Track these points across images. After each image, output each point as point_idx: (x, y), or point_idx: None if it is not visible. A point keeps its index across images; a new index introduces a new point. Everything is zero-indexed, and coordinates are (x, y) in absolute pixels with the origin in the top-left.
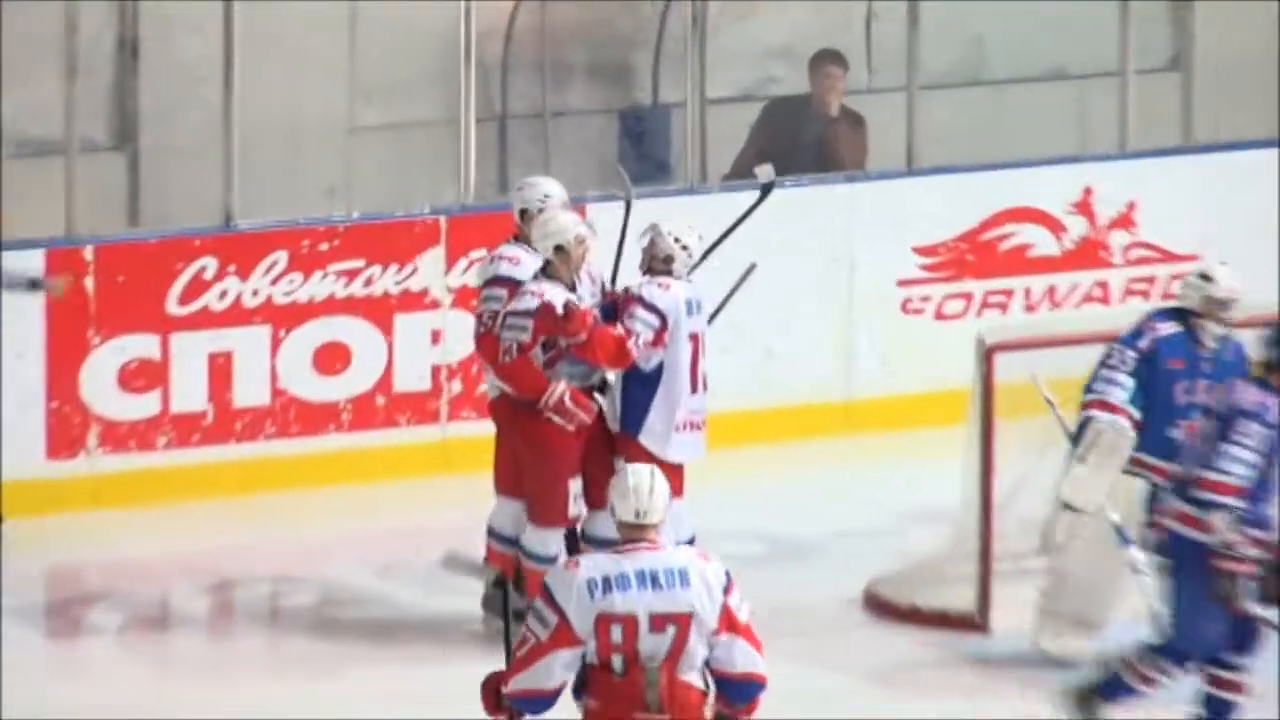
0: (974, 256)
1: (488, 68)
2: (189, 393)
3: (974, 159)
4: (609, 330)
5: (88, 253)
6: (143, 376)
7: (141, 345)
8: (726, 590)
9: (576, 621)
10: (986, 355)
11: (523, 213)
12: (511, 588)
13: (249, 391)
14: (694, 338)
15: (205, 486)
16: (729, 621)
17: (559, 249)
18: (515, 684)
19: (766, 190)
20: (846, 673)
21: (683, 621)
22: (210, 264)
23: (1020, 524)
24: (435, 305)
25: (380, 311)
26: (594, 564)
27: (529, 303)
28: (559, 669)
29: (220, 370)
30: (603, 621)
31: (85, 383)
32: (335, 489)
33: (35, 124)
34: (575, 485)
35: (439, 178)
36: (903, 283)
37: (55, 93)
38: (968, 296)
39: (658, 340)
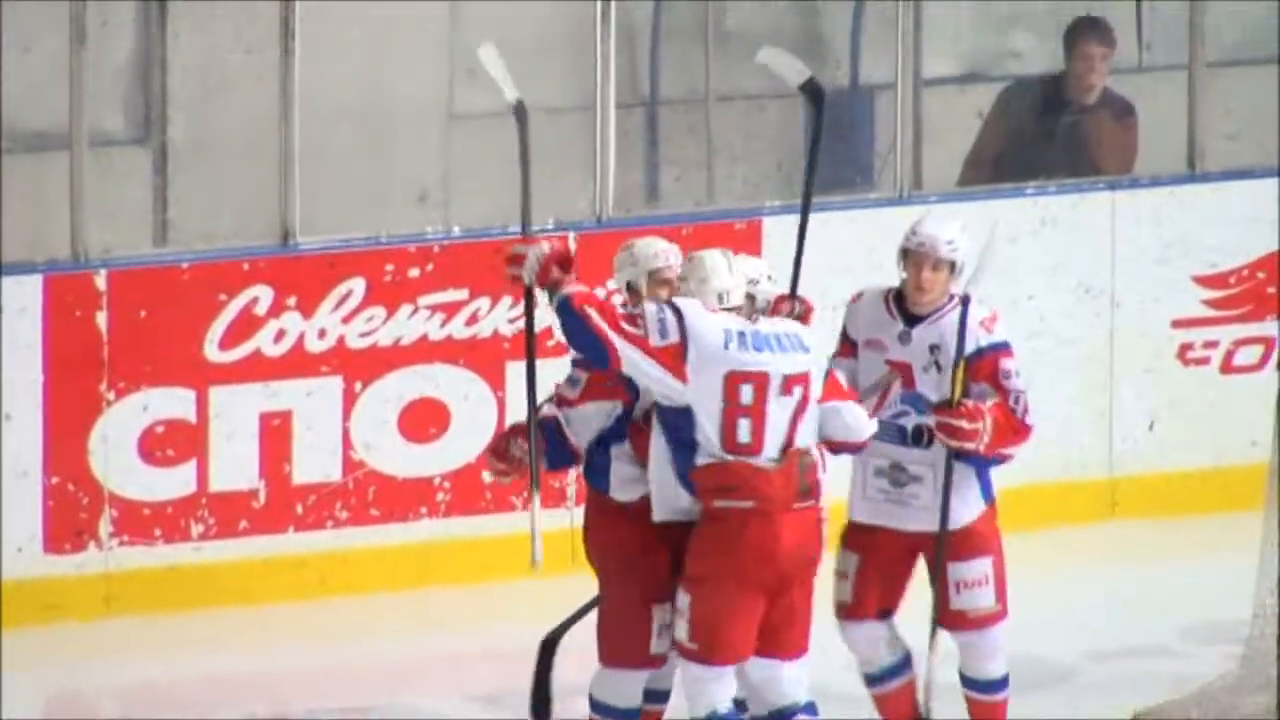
0: (1276, 289)
1: (633, 34)
2: (234, 466)
3: (1276, 160)
4: None
5: (100, 280)
6: (173, 444)
7: (172, 402)
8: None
9: (694, 361)
10: None
11: None
12: None
13: (314, 464)
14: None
15: (255, 590)
16: (836, 388)
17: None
18: (595, 317)
19: (814, 97)
20: None
21: (805, 383)
22: (263, 295)
23: None
24: (562, 350)
25: (489, 358)
26: (725, 318)
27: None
28: (638, 361)
29: (276, 435)
30: (733, 379)
31: (96, 452)
32: (428, 592)
33: (32, 110)
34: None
35: (567, 181)
36: (1181, 323)
37: (58, 70)
38: (1268, 342)
39: None
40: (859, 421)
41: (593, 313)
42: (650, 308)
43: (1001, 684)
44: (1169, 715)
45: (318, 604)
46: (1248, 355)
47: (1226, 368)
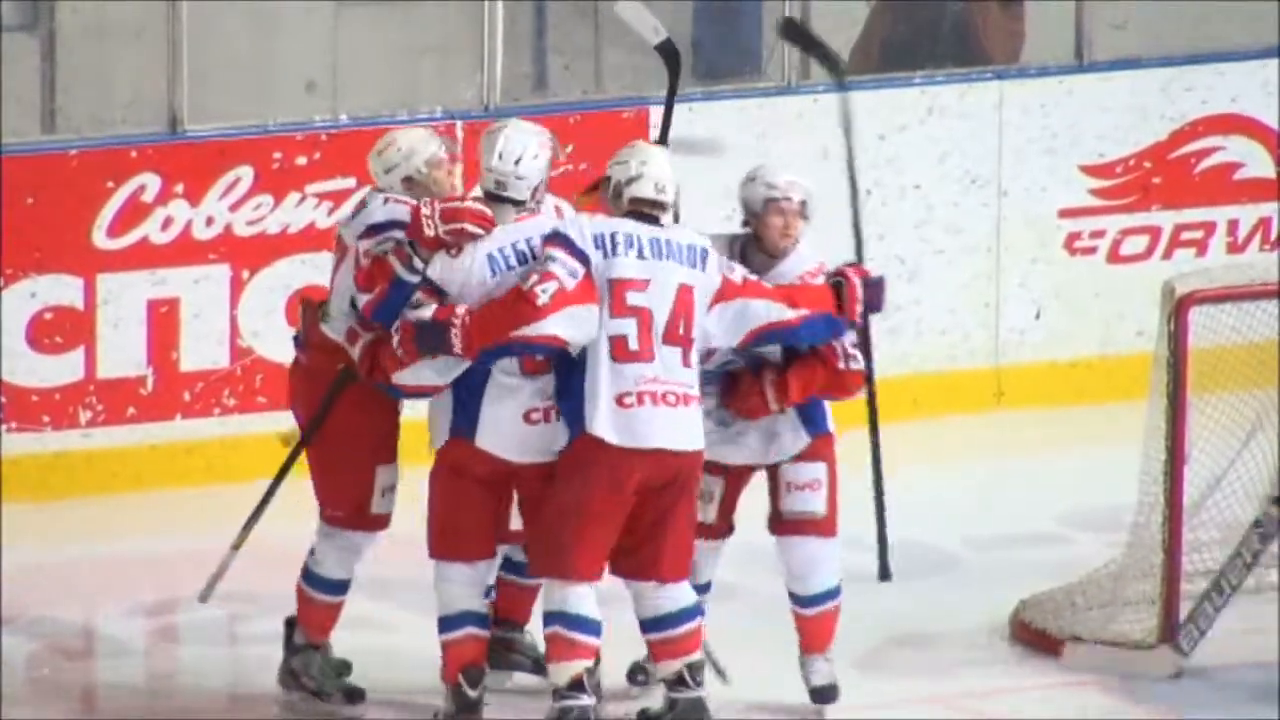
0: (1162, 179)
1: None
2: (122, 353)
3: (1163, 50)
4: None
5: None
6: (61, 331)
7: (60, 289)
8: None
9: None
10: (1178, 309)
11: None
12: None
13: (201, 351)
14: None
15: (143, 476)
16: None
17: (409, 180)
18: None
19: (669, 58)
20: None
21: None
22: (151, 182)
23: (1219, 530)
24: None
25: None
26: None
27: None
28: None
29: (163, 323)
30: None
31: None
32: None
33: None
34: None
35: (454, 69)
36: (1067, 213)
37: None
38: (1154, 232)
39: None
40: None
41: None
42: None
43: (824, 597)
44: (1053, 602)
45: (205, 490)
46: (1134, 245)
47: (1113, 257)
